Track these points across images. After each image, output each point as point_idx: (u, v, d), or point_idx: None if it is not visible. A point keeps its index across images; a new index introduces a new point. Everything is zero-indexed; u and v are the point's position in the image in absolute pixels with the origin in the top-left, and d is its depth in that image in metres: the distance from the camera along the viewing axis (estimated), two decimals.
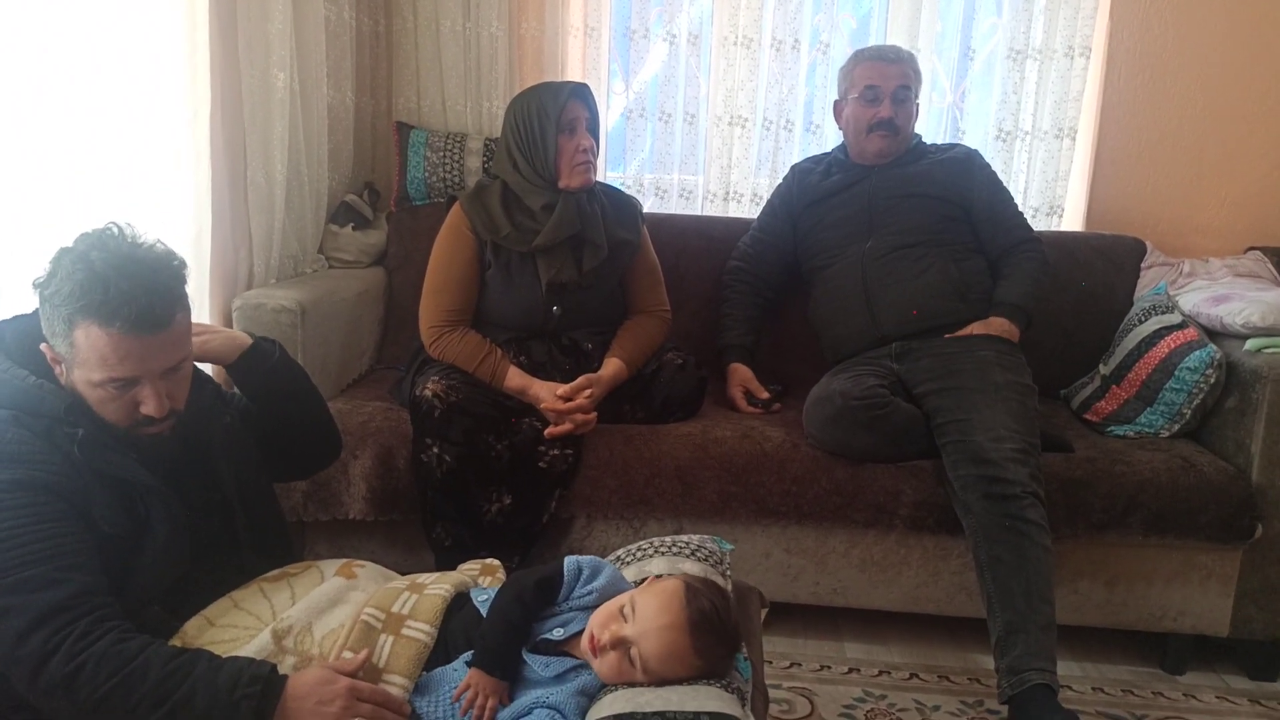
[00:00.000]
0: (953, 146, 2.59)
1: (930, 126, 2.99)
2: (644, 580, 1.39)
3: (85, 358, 1.28)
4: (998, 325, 2.31)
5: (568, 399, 2.13)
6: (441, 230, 2.29)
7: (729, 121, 2.97)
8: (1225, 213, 2.93)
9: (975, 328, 2.31)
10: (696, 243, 2.78)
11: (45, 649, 1.18)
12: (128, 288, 1.25)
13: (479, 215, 2.24)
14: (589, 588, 1.36)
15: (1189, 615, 2.19)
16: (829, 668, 2.20)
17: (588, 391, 2.15)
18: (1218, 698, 2.15)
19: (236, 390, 1.65)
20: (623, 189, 2.48)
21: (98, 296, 1.25)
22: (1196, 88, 2.88)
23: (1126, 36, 2.87)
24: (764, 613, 1.62)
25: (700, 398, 2.37)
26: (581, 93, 2.24)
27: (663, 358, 2.32)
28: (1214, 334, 2.32)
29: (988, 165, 2.56)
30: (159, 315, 1.29)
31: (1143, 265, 2.74)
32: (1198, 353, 2.22)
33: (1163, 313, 2.38)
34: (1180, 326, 2.31)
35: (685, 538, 1.54)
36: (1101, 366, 2.50)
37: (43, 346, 1.33)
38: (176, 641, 1.31)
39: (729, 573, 1.51)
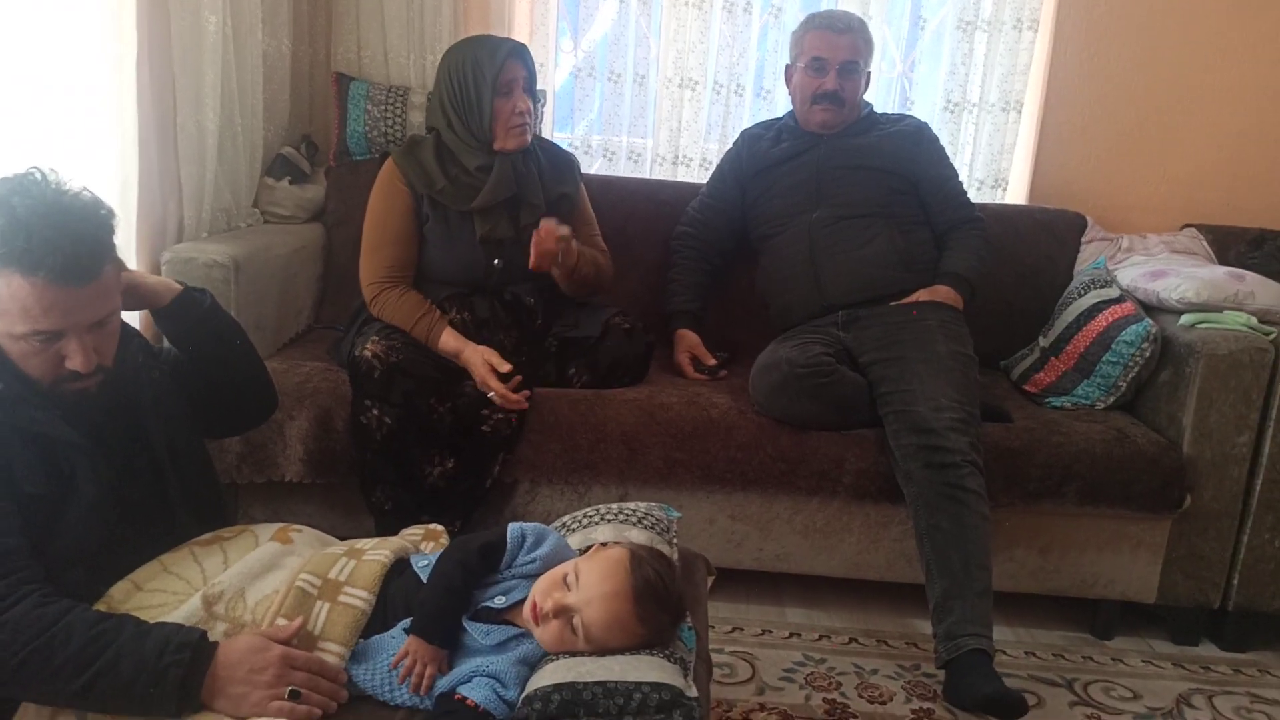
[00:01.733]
0: (903, 118, 2.58)
1: (880, 96, 2.98)
2: (589, 548, 1.37)
3: (6, 308, 1.21)
4: (943, 293, 2.33)
5: (504, 377, 2.08)
6: (375, 186, 2.23)
7: (679, 84, 2.93)
8: (1163, 190, 2.98)
9: (921, 295, 2.33)
10: (645, 207, 2.74)
11: None
12: (52, 236, 1.19)
13: (413, 169, 2.19)
14: (532, 555, 1.34)
15: (1119, 582, 2.25)
16: (770, 632, 2.21)
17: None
18: (1143, 661, 2.22)
19: (166, 345, 1.58)
20: (570, 150, 2.43)
21: (20, 244, 1.18)
22: (1138, 66, 2.92)
23: (1074, 10, 2.89)
24: (710, 580, 1.61)
25: (647, 363, 2.35)
26: (519, 52, 2.20)
27: (609, 322, 2.29)
28: (1150, 308, 2.37)
29: (936, 139, 2.56)
30: (85, 266, 1.23)
31: (1083, 240, 2.78)
32: (1134, 326, 2.26)
33: (1101, 286, 2.42)
34: (1118, 300, 2.35)
35: (632, 505, 1.52)
36: (1041, 339, 2.54)
37: None
38: (101, 606, 1.26)
39: (676, 540, 1.50)
